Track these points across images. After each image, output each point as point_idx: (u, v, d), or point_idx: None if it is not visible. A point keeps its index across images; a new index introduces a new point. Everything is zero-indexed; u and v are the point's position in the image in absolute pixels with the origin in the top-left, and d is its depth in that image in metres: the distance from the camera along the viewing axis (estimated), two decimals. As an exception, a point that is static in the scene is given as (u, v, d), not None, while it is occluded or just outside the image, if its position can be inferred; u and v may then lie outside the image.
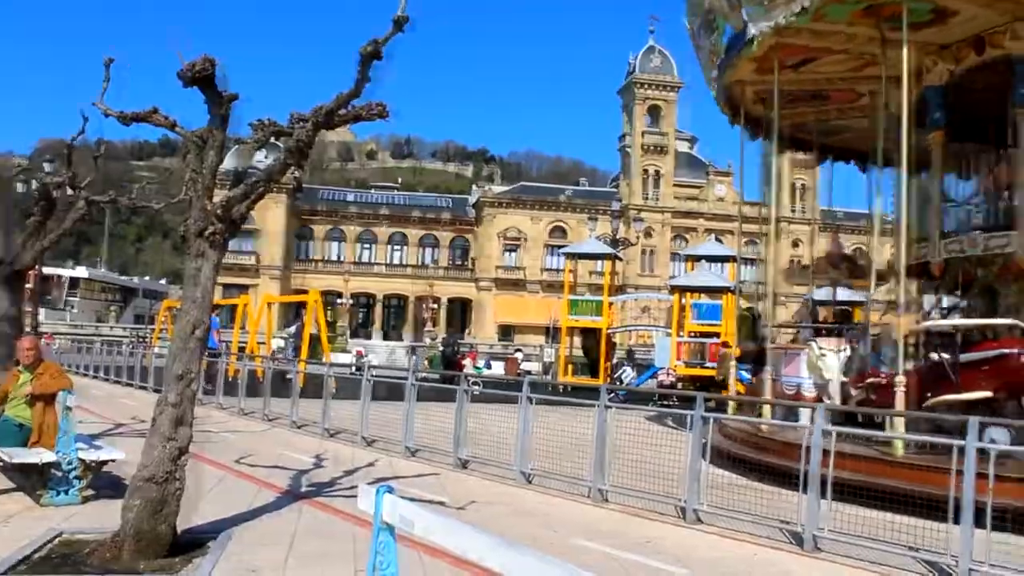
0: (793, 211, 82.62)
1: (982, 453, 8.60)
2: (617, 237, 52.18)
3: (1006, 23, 15.73)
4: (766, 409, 16.95)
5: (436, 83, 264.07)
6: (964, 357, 13.58)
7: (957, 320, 14.98)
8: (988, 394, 13.11)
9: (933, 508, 8.94)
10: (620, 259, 52.10)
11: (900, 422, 13.03)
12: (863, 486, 10.84)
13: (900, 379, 13.31)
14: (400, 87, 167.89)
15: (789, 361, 17.99)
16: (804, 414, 15.12)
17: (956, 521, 8.44)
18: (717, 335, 33.09)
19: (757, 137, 22.33)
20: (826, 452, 9.70)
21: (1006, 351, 13.38)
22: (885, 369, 15.40)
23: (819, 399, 15.94)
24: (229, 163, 9.75)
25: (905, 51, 14.53)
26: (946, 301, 19.68)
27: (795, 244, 78.15)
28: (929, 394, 13.55)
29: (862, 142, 23.71)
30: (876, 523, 9.46)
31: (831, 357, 16.39)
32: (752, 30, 16.07)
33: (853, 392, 15.65)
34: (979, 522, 8.36)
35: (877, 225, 18.64)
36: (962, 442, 8.73)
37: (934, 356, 14.34)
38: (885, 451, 12.90)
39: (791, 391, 17.32)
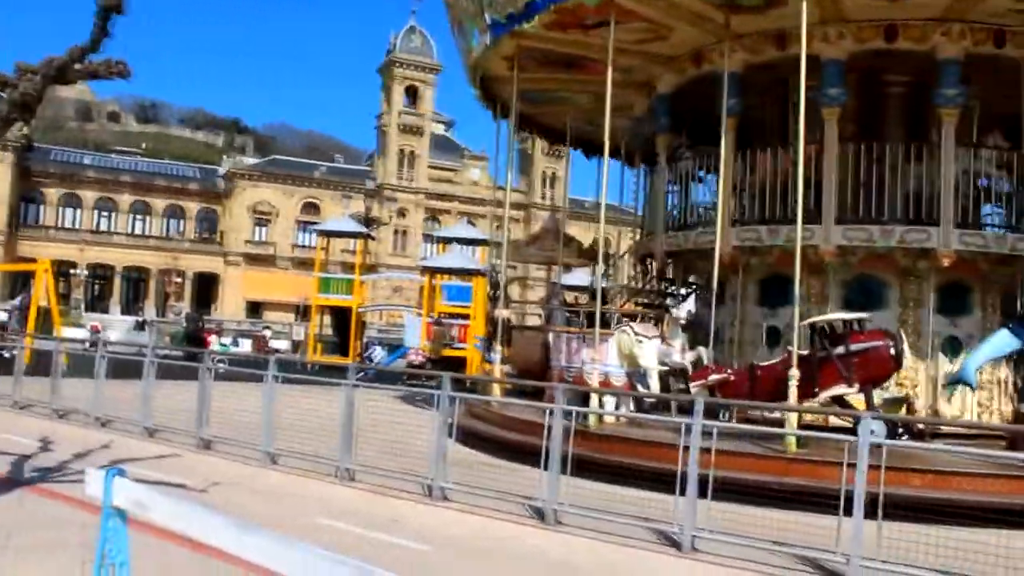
0: (543, 198, 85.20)
1: (706, 430, 9.30)
2: (370, 216, 51.96)
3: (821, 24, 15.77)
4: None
5: (186, 45, 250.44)
6: (838, 351, 13.61)
7: (840, 315, 14.75)
8: (856, 387, 13.54)
9: (665, 482, 9.53)
10: (372, 238, 51.89)
11: (793, 416, 12.91)
12: (603, 463, 11.43)
13: (795, 372, 12.86)
14: (146, 45, 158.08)
15: (589, 346, 16.01)
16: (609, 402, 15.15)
17: (683, 493, 9.05)
18: (467, 317, 33.62)
19: (493, 107, 21.45)
20: (567, 431, 10.11)
21: (876, 344, 13.75)
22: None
23: (631, 388, 15.56)
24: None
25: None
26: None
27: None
28: (817, 388, 13.58)
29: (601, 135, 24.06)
30: (613, 497, 10.00)
31: (649, 345, 15.32)
32: None
33: (693, 389, 14.74)
34: (703, 493, 9.01)
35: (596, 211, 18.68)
36: (689, 420, 9.36)
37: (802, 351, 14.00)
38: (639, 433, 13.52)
39: (596, 379, 15.45)
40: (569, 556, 8.83)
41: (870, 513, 8.13)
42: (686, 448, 9.28)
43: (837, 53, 15.93)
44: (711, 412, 10.89)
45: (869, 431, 8.65)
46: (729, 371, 15.00)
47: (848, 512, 8.17)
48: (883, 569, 7.92)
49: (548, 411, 10.44)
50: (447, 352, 32.39)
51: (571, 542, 9.21)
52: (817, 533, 8.42)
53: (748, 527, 8.78)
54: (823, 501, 8.71)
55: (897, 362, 13.80)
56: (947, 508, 9.20)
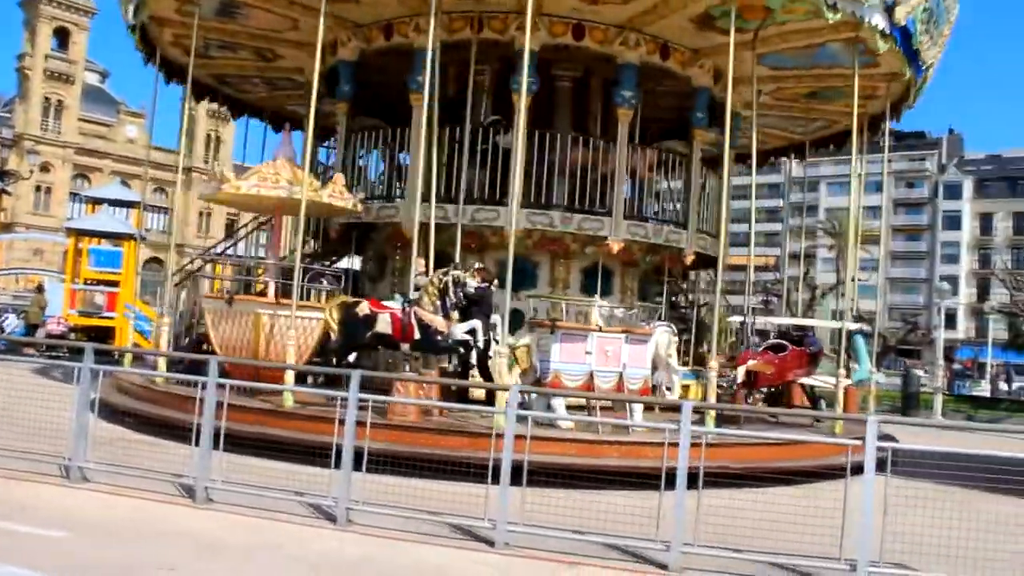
0: (206, 162, 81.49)
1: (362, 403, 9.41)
2: (6, 169, 47.21)
3: (412, 15, 16.88)
4: (161, 362, 15.85)
5: None
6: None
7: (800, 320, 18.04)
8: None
9: (320, 455, 9.53)
10: (8, 194, 47.24)
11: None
12: (257, 437, 11.24)
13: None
14: None
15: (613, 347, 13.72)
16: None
17: (338, 466, 9.10)
18: (116, 283, 31.49)
19: (172, 79, 21.25)
20: (220, 404, 9.80)
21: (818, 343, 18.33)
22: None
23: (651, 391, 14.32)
24: None
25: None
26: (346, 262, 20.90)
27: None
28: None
29: (273, 101, 24.12)
30: (271, 472, 9.88)
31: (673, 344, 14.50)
32: None
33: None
34: (359, 465, 9.11)
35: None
36: (345, 394, 9.41)
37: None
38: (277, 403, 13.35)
39: (634, 384, 13.78)
40: (221, 534, 8.57)
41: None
42: (342, 421, 9.32)
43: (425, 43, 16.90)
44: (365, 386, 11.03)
45: (516, 404, 9.19)
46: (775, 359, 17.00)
47: (497, 480, 8.64)
48: (525, 532, 8.47)
49: (200, 384, 10.07)
50: (93, 321, 30.26)
51: (223, 520, 8.95)
52: (472, 502, 8.83)
53: (407, 498, 9.03)
54: (476, 471, 9.20)
55: None
56: (585, 473, 10.05)
